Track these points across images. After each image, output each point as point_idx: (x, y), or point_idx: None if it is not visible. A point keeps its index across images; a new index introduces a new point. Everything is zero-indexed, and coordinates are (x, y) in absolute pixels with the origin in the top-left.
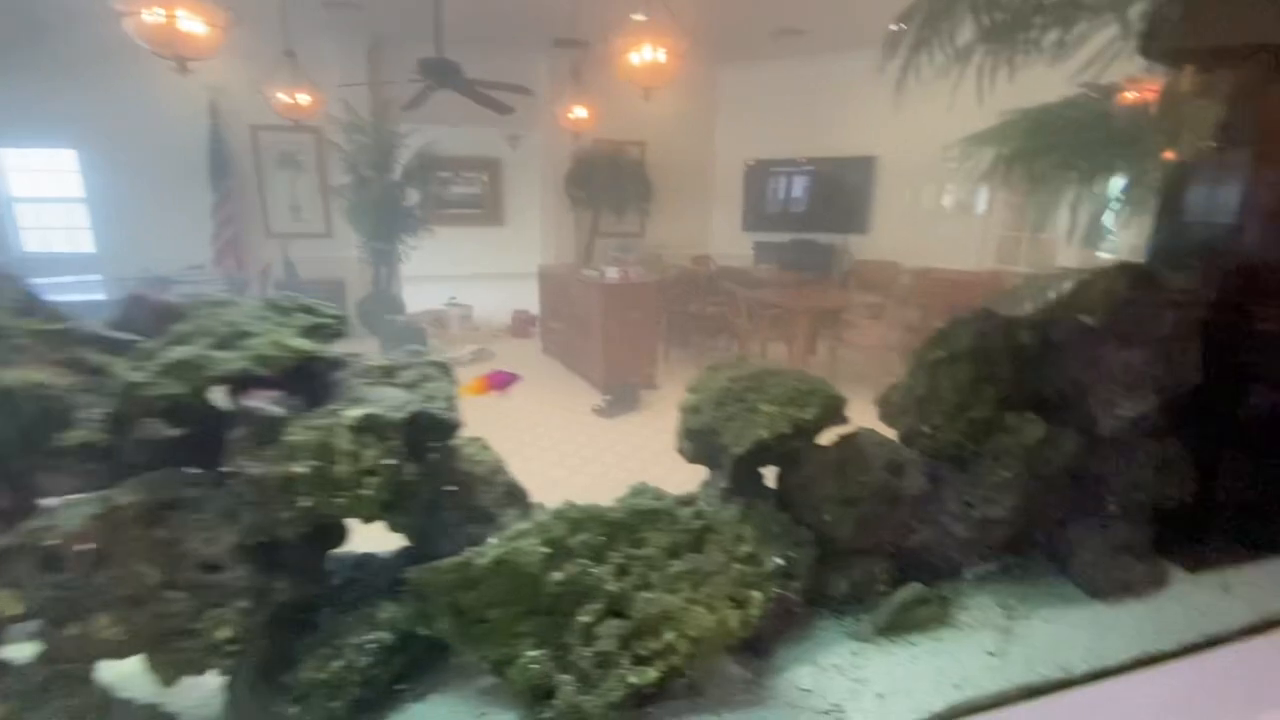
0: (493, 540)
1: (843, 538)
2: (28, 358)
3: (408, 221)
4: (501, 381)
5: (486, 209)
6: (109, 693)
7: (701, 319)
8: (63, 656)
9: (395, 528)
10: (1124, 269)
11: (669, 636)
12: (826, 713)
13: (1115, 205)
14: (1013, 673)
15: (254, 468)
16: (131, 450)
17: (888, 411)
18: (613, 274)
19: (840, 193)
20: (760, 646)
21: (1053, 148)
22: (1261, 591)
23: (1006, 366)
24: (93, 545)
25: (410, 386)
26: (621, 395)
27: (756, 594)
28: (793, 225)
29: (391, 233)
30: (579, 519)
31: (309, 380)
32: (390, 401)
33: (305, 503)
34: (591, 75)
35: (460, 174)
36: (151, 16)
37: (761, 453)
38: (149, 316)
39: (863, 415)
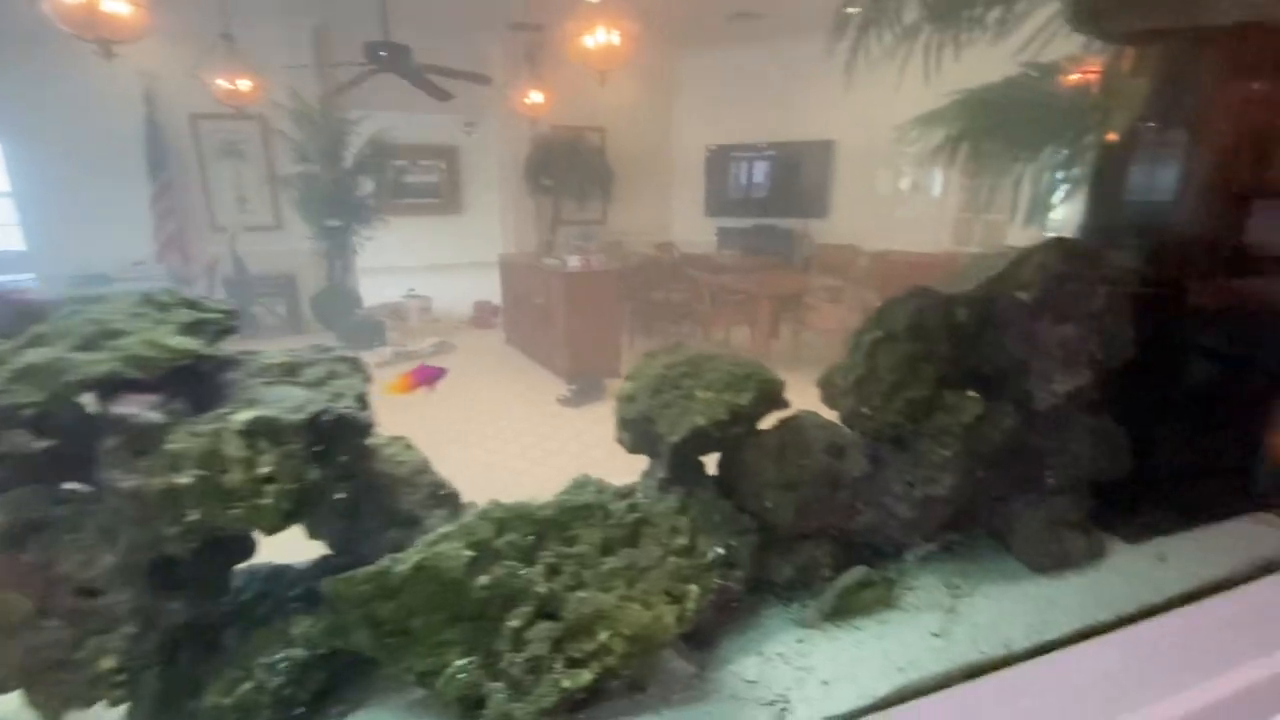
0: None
1: (785, 523)
2: None
3: (361, 212)
4: (428, 377)
5: (444, 198)
6: None
7: (666, 306)
8: None
9: (314, 535)
10: (1057, 245)
11: (603, 636)
12: (771, 703)
13: (1059, 183)
14: (956, 653)
15: (128, 480)
16: None
17: (829, 393)
18: (575, 262)
19: (800, 177)
20: (705, 639)
21: (997, 127)
22: (1195, 560)
23: (944, 345)
24: None
25: (314, 385)
26: (587, 384)
27: (694, 587)
28: (755, 211)
29: (344, 224)
30: (505, 518)
31: (196, 382)
32: (290, 402)
33: (193, 516)
34: (547, 59)
35: (416, 162)
36: None
37: (699, 440)
38: (10, 316)
39: (818, 398)
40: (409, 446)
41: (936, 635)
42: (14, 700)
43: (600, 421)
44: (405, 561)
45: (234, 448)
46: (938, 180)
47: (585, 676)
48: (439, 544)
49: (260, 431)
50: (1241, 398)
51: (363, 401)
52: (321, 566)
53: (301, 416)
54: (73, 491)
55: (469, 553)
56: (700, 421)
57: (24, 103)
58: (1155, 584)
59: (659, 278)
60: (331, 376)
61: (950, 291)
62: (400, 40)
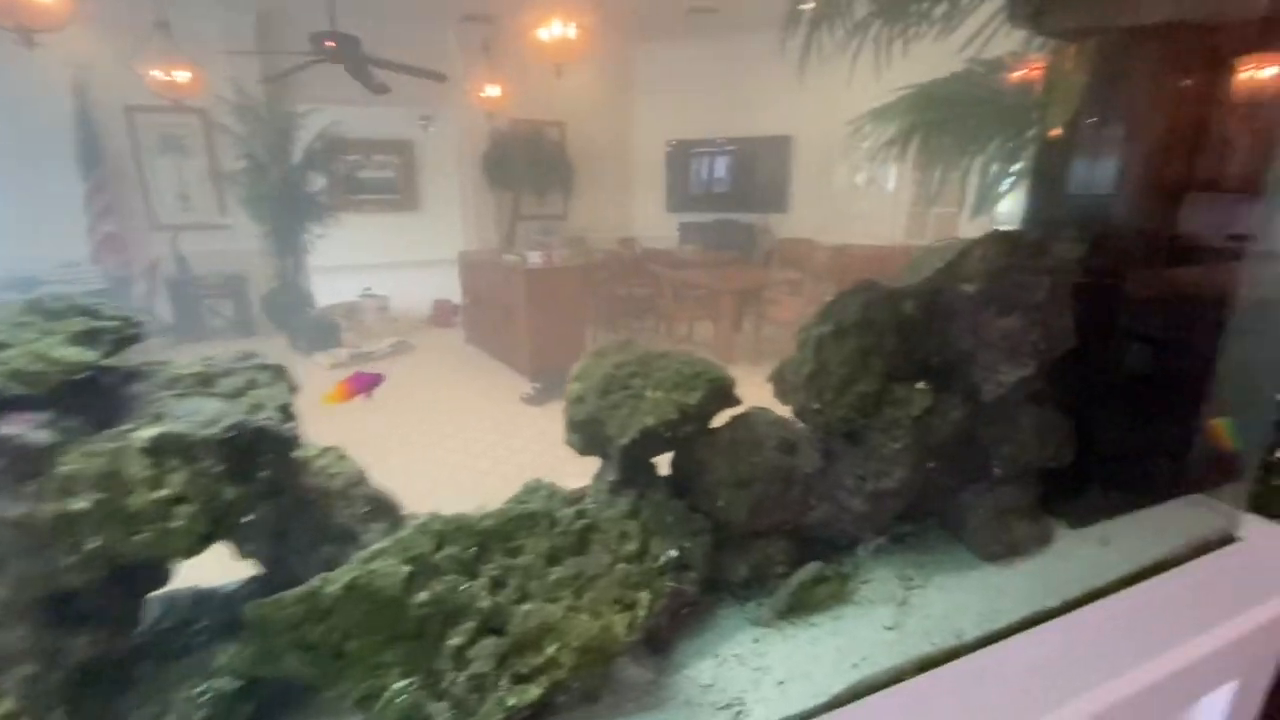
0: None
1: (738, 521)
2: None
3: (312, 209)
4: (365, 384)
5: (400, 194)
6: None
7: (628, 301)
8: None
9: (245, 555)
10: (999, 237)
11: (550, 650)
12: (727, 706)
13: (1006, 177)
14: (909, 646)
15: (12, 509)
16: None
17: (781, 389)
18: (536, 258)
19: (760, 172)
20: (660, 643)
21: (945, 122)
22: (1136, 542)
23: (892, 338)
24: None
25: (231, 396)
26: (551, 382)
27: (644, 594)
28: (716, 206)
29: (294, 221)
30: (445, 531)
31: (96, 397)
32: (202, 415)
33: (93, 544)
34: (503, 52)
35: (370, 157)
36: None
37: (650, 441)
38: None
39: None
40: (343, 457)
41: (890, 629)
42: None
43: None
44: (337, 581)
45: (137, 467)
46: (892, 175)
47: (533, 692)
48: (373, 561)
49: (168, 449)
50: (1178, 383)
51: (286, 412)
52: (252, 588)
53: (214, 431)
54: None
55: (406, 569)
56: (650, 422)
57: None
58: (1099, 568)
59: (621, 273)
60: (251, 386)
61: (898, 285)
62: (349, 30)
